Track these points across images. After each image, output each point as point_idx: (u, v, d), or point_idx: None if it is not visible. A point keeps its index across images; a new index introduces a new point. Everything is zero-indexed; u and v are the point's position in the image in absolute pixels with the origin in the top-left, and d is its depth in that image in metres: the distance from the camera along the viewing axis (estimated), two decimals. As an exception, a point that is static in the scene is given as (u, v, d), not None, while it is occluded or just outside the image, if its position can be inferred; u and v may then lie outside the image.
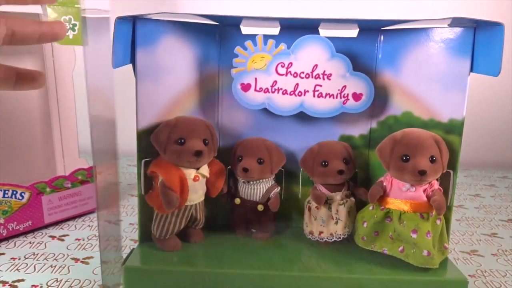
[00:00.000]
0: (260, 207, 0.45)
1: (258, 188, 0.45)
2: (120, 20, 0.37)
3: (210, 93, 0.46)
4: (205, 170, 0.43)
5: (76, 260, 0.50)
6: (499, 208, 0.70)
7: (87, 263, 0.49)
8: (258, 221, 0.46)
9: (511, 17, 0.94)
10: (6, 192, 0.53)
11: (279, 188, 0.46)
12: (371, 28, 0.45)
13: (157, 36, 0.41)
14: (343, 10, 0.90)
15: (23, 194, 0.55)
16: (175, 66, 0.43)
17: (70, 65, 0.60)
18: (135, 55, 0.40)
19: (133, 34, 0.40)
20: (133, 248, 0.43)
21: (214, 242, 0.45)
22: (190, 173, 0.41)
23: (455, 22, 0.39)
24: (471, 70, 0.41)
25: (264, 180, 0.45)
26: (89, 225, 0.60)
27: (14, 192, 0.54)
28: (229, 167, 0.47)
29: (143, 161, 0.42)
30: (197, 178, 0.42)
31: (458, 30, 0.41)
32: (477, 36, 0.40)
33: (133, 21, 0.40)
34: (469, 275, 0.47)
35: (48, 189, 0.57)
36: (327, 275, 0.39)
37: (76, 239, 0.55)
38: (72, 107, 0.62)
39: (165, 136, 0.40)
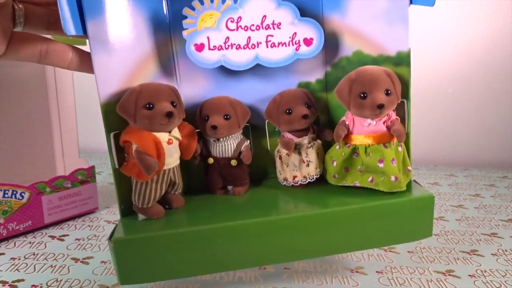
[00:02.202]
0: (233, 162, 0.45)
1: (229, 144, 0.45)
2: None
3: (167, 59, 0.45)
4: (177, 133, 0.42)
5: (76, 260, 0.49)
6: (499, 208, 0.68)
7: (87, 263, 0.49)
8: (233, 176, 0.46)
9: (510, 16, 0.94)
10: (6, 192, 0.53)
11: (248, 141, 0.46)
12: None
13: (105, 5, 0.40)
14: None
15: (23, 194, 0.54)
16: (128, 35, 0.42)
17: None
18: (86, 27, 0.39)
19: (81, 5, 0.39)
20: (117, 224, 0.41)
21: (195, 204, 0.44)
22: (164, 136, 0.40)
23: None
24: (411, 2, 0.41)
25: (233, 135, 0.45)
26: (89, 225, 0.59)
27: (14, 192, 0.54)
28: (197, 130, 0.46)
29: (112, 134, 0.40)
30: (171, 141, 0.40)
31: None
32: None
33: None
34: (469, 275, 0.46)
35: (48, 189, 0.57)
36: (303, 213, 0.40)
37: (76, 239, 0.55)
38: (72, 107, 0.62)
39: (133, 104, 0.39)
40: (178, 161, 0.43)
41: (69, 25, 0.37)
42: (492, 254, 0.52)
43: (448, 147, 0.99)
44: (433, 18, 0.95)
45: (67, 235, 0.56)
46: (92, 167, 0.62)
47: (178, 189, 0.44)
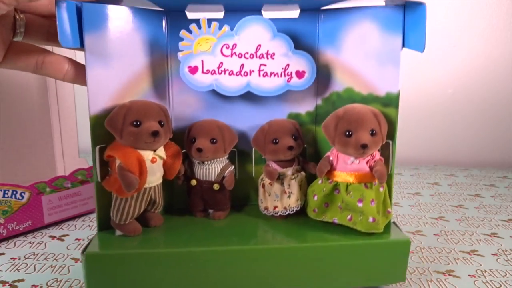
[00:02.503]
0: (216, 186, 0.45)
1: (213, 168, 0.45)
2: (61, 1, 0.36)
3: (161, 78, 0.46)
4: (162, 152, 0.42)
5: (76, 260, 0.49)
6: (499, 208, 0.67)
7: (87, 263, 0.49)
8: (214, 201, 0.46)
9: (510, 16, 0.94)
10: (6, 192, 0.53)
11: (233, 166, 0.47)
12: (311, 8, 0.45)
13: (105, 21, 0.40)
14: None
15: (23, 194, 0.54)
16: (124, 51, 0.42)
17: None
18: (83, 40, 0.39)
19: (81, 18, 0.39)
20: (92, 237, 0.41)
21: (174, 225, 0.45)
22: (148, 154, 0.40)
23: (389, 0, 0.40)
24: (403, 46, 0.42)
25: (218, 159, 0.45)
26: (89, 225, 0.59)
27: (14, 192, 0.54)
28: (184, 151, 0.46)
29: (97, 147, 0.41)
30: (155, 160, 0.41)
31: (390, 8, 0.41)
32: (407, 14, 0.41)
33: (81, 5, 0.38)
34: (469, 275, 0.45)
35: (48, 189, 0.57)
36: (281, 246, 0.40)
37: (76, 239, 0.55)
38: (72, 107, 0.62)
39: (121, 120, 0.39)
40: (160, 180, 0.43)
41: (67, 37, 0.37)
42: (492, 254, 0.52)
43: (448, 147, 0.99)
44: (433, 18, 0.95)
45: (67, 235, 0.56)
46: (92, 167, 0.62)
47: (158, 208, 0.44)
